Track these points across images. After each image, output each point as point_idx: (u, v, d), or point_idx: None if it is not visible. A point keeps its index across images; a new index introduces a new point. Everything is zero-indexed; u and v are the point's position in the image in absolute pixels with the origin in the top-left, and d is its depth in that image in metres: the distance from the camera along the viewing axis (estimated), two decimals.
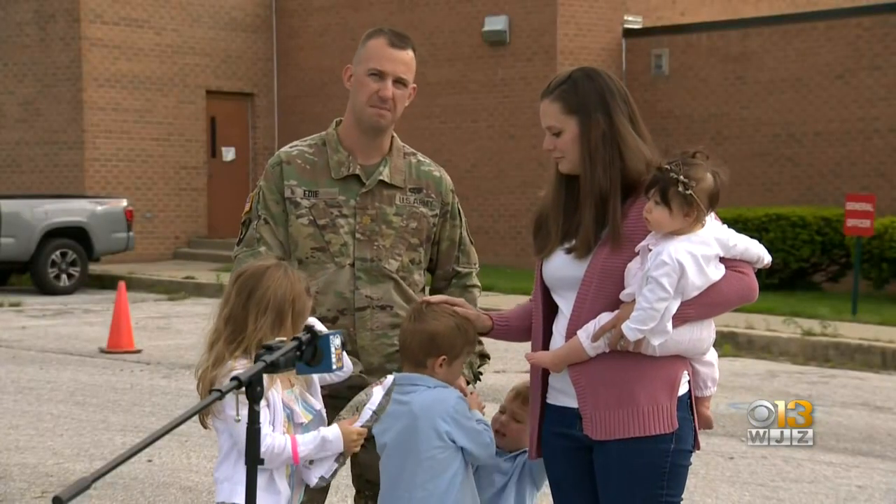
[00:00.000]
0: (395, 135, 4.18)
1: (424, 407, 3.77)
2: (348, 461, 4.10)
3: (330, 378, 3.78)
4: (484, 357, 4.22)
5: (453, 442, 3.78)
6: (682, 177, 3.42)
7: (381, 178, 4.07)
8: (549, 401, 3.68)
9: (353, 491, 4.26)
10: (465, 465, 3.86)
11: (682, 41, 20.47)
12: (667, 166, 3.47)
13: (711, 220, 3.57)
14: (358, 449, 3.68)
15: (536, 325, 3.71)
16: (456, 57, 21.43)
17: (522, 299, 15.99)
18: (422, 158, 4.22)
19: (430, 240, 4.17)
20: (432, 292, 4.25)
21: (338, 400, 3.91)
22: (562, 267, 3.61)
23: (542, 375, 3.69)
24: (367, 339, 4.01)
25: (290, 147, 4.18)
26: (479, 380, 4.23)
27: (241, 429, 3.11)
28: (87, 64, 21.68)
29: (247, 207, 4.15)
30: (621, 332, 3.46)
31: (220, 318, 3.71)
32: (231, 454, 3.61)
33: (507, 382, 10.43)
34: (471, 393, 4.00)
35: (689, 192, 3.42)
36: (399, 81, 4.04)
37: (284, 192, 4.06)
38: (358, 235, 4.03)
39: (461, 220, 4.26)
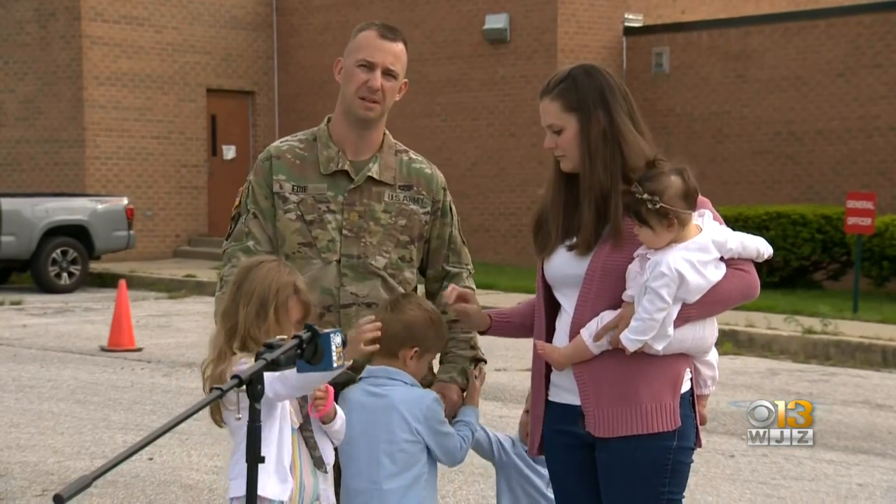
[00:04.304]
0: (387, 131, 4.15)
1: (403, 400, 3.84)
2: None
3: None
4: (478, 361, 4.19)
5: (423, 439, 3.85)
6: (645, 195, 3.43)
7: (369, 174, 4.04)
8: (551, 398, 3.69)
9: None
10: (432, 466, 3.93)
11: (682, 39, 20.47)
12: (632, 189, 3.47)
13: (709, 222, 3.56)
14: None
15: (539, 323, 3.72)
16: (456, 55, 21.43)
17: (523, 298, 15.92)
18: (413, 156, 4.19)
19: (423, 238, 4.14)
20: (427, 295, 4.22)
21: None
22: (563, 265, 3.61)
23: (544, 373, 3.70)
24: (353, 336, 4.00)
25: (281, 142, 4.15)
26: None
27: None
28: (87, 62, 21.68)
29: (236, 202, 4.13)
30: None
31: (220, 314, 3.73)
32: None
33: (507, 381, 10.45)
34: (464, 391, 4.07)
35: (658, 205, 3.42)
36: (388, 73, 4.00)
37: (273, 186, 4.04)
38: (345, 232, 4.01)
39: (452, 218, 4.21)
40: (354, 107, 4.01)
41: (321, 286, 3.96)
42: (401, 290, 4.05)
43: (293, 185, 4.03)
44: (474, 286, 4.24)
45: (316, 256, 4.00)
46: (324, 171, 4.04)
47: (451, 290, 3.81)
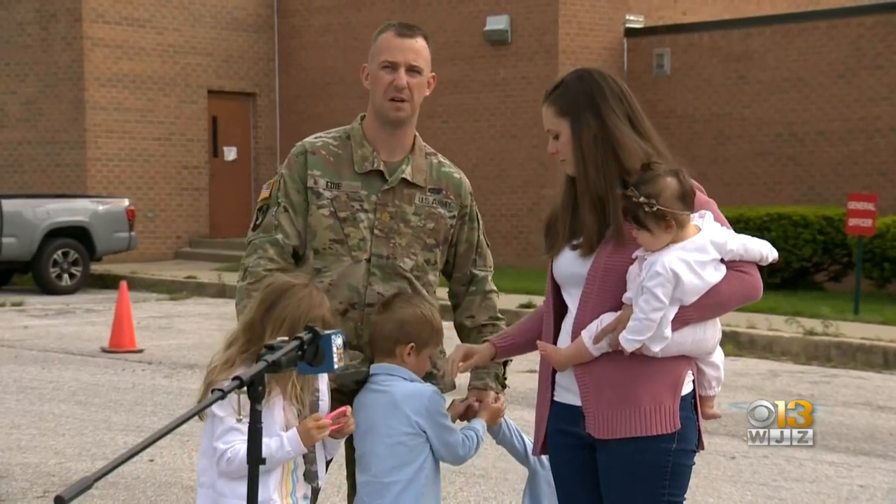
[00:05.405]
0: (417, 134, 4.18)
1: (403, 394, 3.90)
2: (343, 458, 4.12)
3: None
4: (507, 363, 4.26)
5: (424, 432, 3.89)
6: (642, 198, 3.44)
7: (403, 175, 4.07)
8: (556, 398, 3.71)
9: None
10: (434, 464, 3.96)
11: (683, 40, 20.47)
12: (629, 192, 3.48)
13: (709, 223, 3.56)
14: (320, 438, 3.67)
15: (547, 323, 3.75)
16: (458, 57, 21.43)
17: (524, 299, 15.94)
18: (442, 160, 4.23)
19: (448, 241, 4.17)
20: (450, 295, 4.29)
21: (345, 395, 3.93)
22: (568, 264, 3.64)
23: (551, 372, 3.72)
24: None
25: (315, 138, 4.17)
26: (507, 386, 4.28)
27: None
28: (88, 63, 21.69)
29: (265, 194, 4.13)
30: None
31: (241, 324, 3.72)
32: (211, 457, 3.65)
33: (509, 383, 10.43)
34: (496, 399, 4.15)
35: (655, 208, 3.43)
36: (413, 69, 4.03)
37: (307, 181, 4.04)
38: (376, 231, 4.03)
39: (479, 223, 4.27)
40: (385, 109, 4.04)
41: (348, 284, 3.99)
42: (424, 292, 4.09)
43: (327, 182, 4.04)
44: (496, 288, 4.33)
45: (346, 254, 4.02)
46: (358, 169, 4.06)
47: (452, 366, 3.85)
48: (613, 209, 3.53)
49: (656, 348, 3.47)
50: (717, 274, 3.50)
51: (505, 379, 4.26)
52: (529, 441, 4.13)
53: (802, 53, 19.19)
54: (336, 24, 23.13)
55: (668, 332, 3.46)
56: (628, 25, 21.09)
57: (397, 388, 3.90)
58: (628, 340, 3.45)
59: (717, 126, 19.97)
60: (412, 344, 3.94)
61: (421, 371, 4.00)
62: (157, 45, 22.56)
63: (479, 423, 4.07)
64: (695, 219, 3.54)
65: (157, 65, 22.55)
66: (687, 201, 3.49)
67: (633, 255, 3.52)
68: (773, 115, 19.45)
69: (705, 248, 3.48)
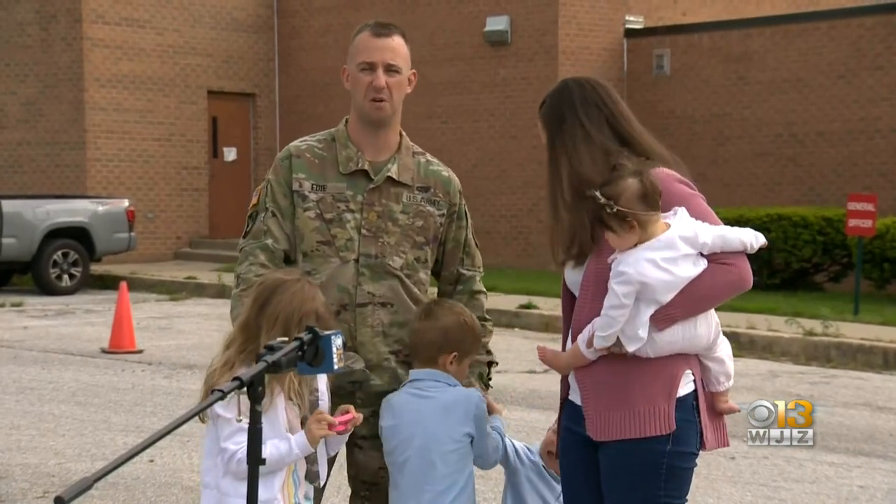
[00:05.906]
0: (403, 133, 4.18)
1: (454, 402, 3.89)
2: (344, 460, 4.12)
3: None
4: (491, 364, 4.26)
5: (470, 440, 3.90)
6: (603, 200, 3.47)
7: (388, 174, 4.07)
8: (570, 397, 3.74)
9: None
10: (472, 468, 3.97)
11: (683, 41, 20.47)
12: (593, 194, 3.50)
13: (681, 219, 3.53)
14: (323, 435, 3.67)
15: (564, 327, 3.79)
16: (457, 57, 21.43)
17: (524, 300, 15.84)
18: (430, 158, 4.23)
19: (437, 239, 4.17)
20: (438, 295, 4.28)
21: (340, 397, 3.93)
22: (570, 272, 3.69)
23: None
24: (367, 336, 4.02)
25: (300, 141, 4.17)
26: (490, 386, 4.28)
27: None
28: (88, 64, 21.69)
29: (254, 200, 4.14)
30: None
31: (237, 325, 3.73)
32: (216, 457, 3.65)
33: (508, 382, 10.44)
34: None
35: (615, 209, 3.45)
36: (390, 69, 4.03)
37: (293, 184, 4.05)
38: (364, 231, 4.03)
39: (467, 221, 4.27)
40: (366, 110, 4.04)
41: (338, 284, 3.99)
42: (416, 290, 4.08)
43: (312, 184, 4.05)
44: (485, 288, 4.32)
45: (334, 255, 4.02)
46: (343, 170, 4.07)
47: (552, 463, 3.90)
48: (577, 220, 3.56)
49: (631, 348, 3.47)
50: (694, 269, 3.49)
51: (489, 379, 4.26)
52: (510, 441, 4.14)
53: (802, 54, 19.20)
54: (336, 25, 23.12)
55: (642, 332, 3.46)
56: (628, 26, 21.08)
57: (448, 394, 3.90)
58: (598, 338, 3.49)
59: (717, 127, 19.97)
60: (455, 353, 3.95)
61: (462, 378, 4.00)
62: (156, 45, 22.56)
63: (500, 421, 4.09)
64: (668, 216, 3.54)
65: (157, 65, 22.56)
66: (649, 201, 3.49)
67: (609, 259, 3.54)
68: (772, 116, 19.45)
69: (674, 244, 3.48)
